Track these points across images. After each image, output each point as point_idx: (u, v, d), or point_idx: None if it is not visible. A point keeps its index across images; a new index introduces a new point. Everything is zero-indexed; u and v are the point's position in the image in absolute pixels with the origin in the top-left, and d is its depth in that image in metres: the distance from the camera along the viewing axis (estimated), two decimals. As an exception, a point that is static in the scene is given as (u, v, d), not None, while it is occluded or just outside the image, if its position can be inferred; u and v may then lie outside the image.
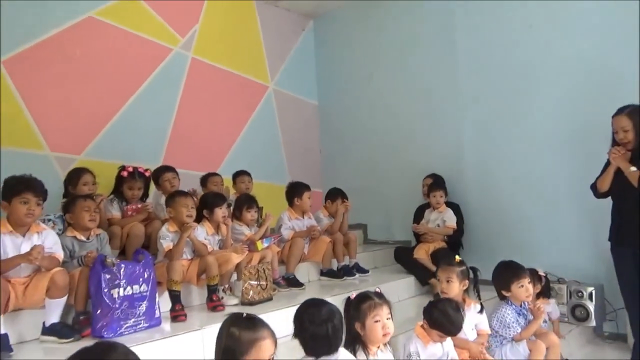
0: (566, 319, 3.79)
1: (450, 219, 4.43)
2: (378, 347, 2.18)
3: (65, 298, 2.62)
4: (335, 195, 4.45)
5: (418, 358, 2.36)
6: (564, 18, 4.19)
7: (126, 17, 4.52)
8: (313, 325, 1.91)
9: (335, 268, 4.25)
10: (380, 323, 2.13)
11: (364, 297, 2.19)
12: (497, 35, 4.59)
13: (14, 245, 2.61)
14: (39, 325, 2.61)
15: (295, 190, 4.22)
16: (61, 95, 4.10)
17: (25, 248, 2.58)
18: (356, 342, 2.15)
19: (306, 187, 4.24)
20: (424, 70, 5.13)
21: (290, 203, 4.23)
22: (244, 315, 1.70)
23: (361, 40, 5.75)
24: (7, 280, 2.51)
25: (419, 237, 4.54)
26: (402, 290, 4.12)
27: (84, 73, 4.24)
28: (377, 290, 2.28)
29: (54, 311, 2.59)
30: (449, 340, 2.47)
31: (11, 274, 2.55)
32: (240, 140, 5.38)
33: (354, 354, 2.09)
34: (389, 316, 2.17)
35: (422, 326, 2.45)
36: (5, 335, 2.40)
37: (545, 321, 3.11)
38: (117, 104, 4.45)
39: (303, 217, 4.23)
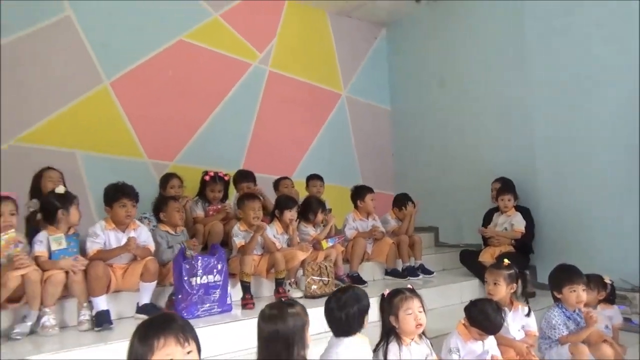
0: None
1: (519, 223, 4.39)
2: (412, 339, 2.35)
3: (155, 282, 3.11)
4: (402, 201, 4.61)
5: (458, 353, 2.48)
6: (634, 15, 3.99)
7: (210, 38, 5.08)
8: (332, 309, 2.16)
9: (400, 269, 4.40)
10: (413, 315, 2.30)
11: (396, 292, 2.37)
12: (568, 34, 4.46)
13: (116, 239, 3.16)
14: (134, 305, 3.12)
15: (359, 193, 4.45)
16: (156, 110, 4.74)
17: (124, 241, 3.11)
18: (390, 334, 2.33)
19: (369, 190, 4.46)
20: (495, 73, 5.11)
21: (355, 205, 4.47)
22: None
23: (433, 45, 5.84)
24: (109, 266, 3.04)
25: (486, 241, 4.55)
26: (465, 292, 4.16)
27: (176, 90, 4.85)
28: (409, 286, 2.45)
29: (146, 293, 3.09)
30: (491, 339, 2.56)
31: (113, 261, 3.09)
32: (314, 146, 5.74)
33: (387, 346, 2.28)
34: (421, 309, 2.33)
35: (463, 324, 2.57)
36: (107, 311, 2.92)
37: (606, 327, 3.05)
38: (203, 115, 5.02)
39: (367, 219, 4.45)
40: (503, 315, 2.53)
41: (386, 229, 4.55)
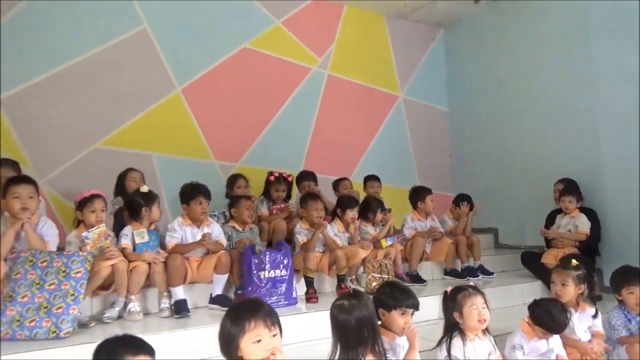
0: None
1: (583, 225, 4.29)
2: (476, 334, 2.41)
3: (227, 275, 3.33)
4: (460, 200, 4.64)
5: (522, 350, 2.51)
6: None
7: (272, 44, 5.32)
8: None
9: (459, 269, 4.43)
10: (477, 310, 2.36)
11: (459, 289, 2.45)
12: (634, 33, 4.31)
13: (192, 234, 3.42)
14: (207, 295, 3.36)
15: (418, 194, 4.53)
16: (223, 114, 5.02)
17: (199, 236, 3.36)
18: (454, 329, 2.40)
19: (428, 191, 4.52)
20: (556, 72, 5.01)
21: (414, 206, 4.54)
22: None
23: (492, 45, 5.80)
24: (186, 259, 3.30)
25: (549, 243, 4.49)
26: (527, 293, 4.11)
27: (240, 95, 5.12)
28: (472, 284, 2.52)
29: (219, 285, 3.32)
30: (555, 338, 2.57)
31: (189, 255, 3.35)
32: (371, 147, 5.85)
33: (450, 341, 2.36)
34: (484, 305, 2.39)
35: (527, 322, 2.59)
36: (185, 300, 3.16)
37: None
38: (266, 119, 5.26)
39: (426, 219, 4.51)
40: (568, 316, 2.53)
41: (444, 229, 4.59)
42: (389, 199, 4.94)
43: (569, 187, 4.55)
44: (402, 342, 2.32)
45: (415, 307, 2.33)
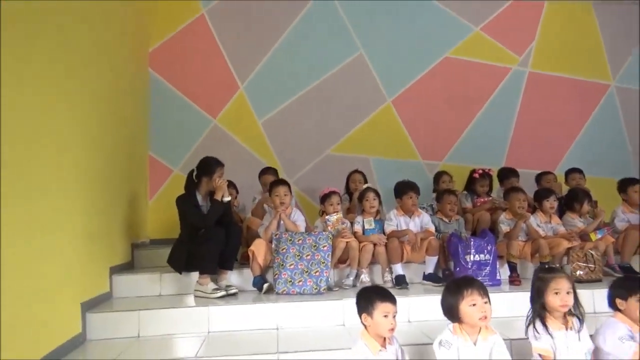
0: None
1: None
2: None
3: (437, 257, 3.97)
4: None
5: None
6: None
7: (472, 50, 5.76)
8: None
9: (683, 264, 4.20)
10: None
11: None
12: None
13: (405, 222, 4.15)
14: (421, 273, 4.04)
15: (621, 185, 4.49)
16: (428, 119, 5.69)
17: (411, 224, 4.08)
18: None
19: (631, 181, 4.43)
20: None
21: (624, 197, 4.45)
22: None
23: None
24: (401, 242, 4.02)
25: None
26: None
27: (443, 99, 5.70)
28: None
29: (430, 265, 3.98)
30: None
31: (404, 239, 4.08)
32: (579, 140, 5.78)
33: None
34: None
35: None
36: (403, 275, 3.90)
37: None
38: (467, 119, 5.73)
39: (638, 211, 4.38)
40: None
41: (664, 221, 4.37)
42: (600, 192, 4.90)
43: None
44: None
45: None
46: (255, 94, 5.57)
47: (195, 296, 3.65)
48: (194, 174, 3.85)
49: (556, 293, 2.35)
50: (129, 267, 4.26)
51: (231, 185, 4.35)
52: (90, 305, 3.28)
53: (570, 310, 2.41)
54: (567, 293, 2.35)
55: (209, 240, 3.61)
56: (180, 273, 3.76)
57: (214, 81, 5.52)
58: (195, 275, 3.73)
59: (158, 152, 5.38)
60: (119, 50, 4.27)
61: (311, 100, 5.61)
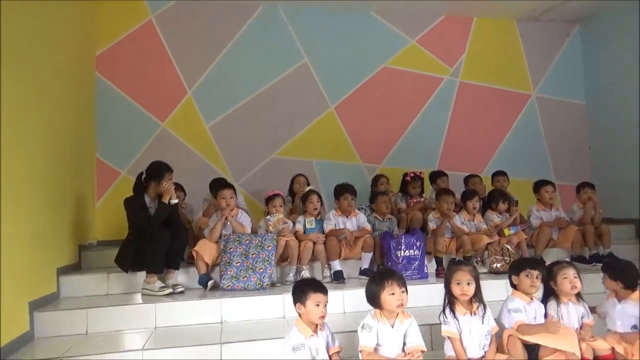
0: None
1: None
2: (570, 299, 2.96)
3: (372, 253, 4.31)
4: (580, 186, 4.97)
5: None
6: None
7: (408, 61, 6.21)
8: None
9: (586, 256, 4.75)
10: (568, 279, 2.91)
11: (555, 263, 3.03)
12: None
13: (342, 222, 4.48)
14: (357, 269, 4.37)
15: (535, 187, 5.01)
16: (368, 125, 6.05)
17: (348, 223, 4.41)
18: (551, 295, 2.99)
19: (542, 183, 4.96)
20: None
21: (538, 197, 4.99)
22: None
23: (631, 36, 5.78)
24: (339, 240, 4.34)
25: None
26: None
27: (382, 107, 6.09)
28: (567, 259, 3.07)
29: (366, 261, 4.32)
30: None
31: (341, 237, 4.40)
32: (504, 145, 6.34)
33: (545, 303, 2.93)
34: (576, 275, 2.91)
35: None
36: (341, 271, 4.21)
37: None
38: (404, 126, 6.16)
39: (550, 209, 4.92)
40: None
41: (573, 218, 4.93)
42: (522, 192, 5.40)
43: None
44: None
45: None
46: (204, 99, 5.76)
47: (143, 294, 3.81)
48: (143, 177, 4.00)
49: (458, 284, 2.71)
50: (76, 268, 4.35)
51: (179, 188, 4.52)
52: (38, 305, 3.39)
53: (474, 296, 2.79)
54: (468, 284, 2.70)
55: (155, 240, 3.78)
56: (127, 272, 3.91)
57: (162, 86, 5.66)
58: (142, 275, 3.89)
59: (105, 154, 5.46)
60: (64, 53, 4.34)
61: (258, 106, 5.85)
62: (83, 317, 3.39)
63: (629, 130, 5.83)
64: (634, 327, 2.86)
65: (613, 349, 2.83)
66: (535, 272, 2.91)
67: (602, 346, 2.81)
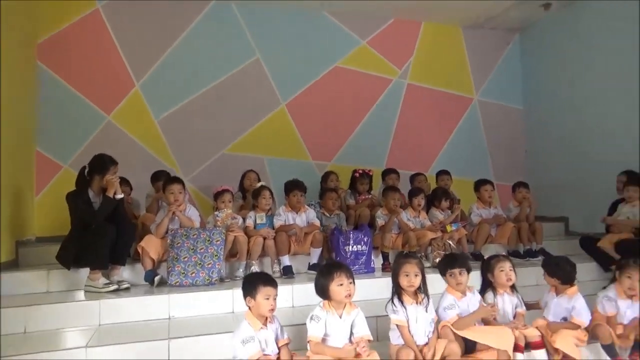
0: None
1: (640, 213, 4.69)
2: (505, 291, 3.17)
3: (321, 248, 4.40)
4: (516, 186, 5.27)
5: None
6: None
7: (359, 62, 6.35)
8: None
9: (521, 251, 5.06)
10: (504, 272, 3.12)
11: (493, 256, 3.24)
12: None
13: (292, 217, 4.53)
14: (306, 264, 4.45)
15: (475, 186, 5.27)
16: (318, 122, 6.13)
17: (297, 219, 4.47)
18: (488, 287, 3.20)
19: (481, 182, 5.22)
20: (627, 71, 5.35)
21: (478, 195, 5.26)
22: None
23: (566, 45, 6.21)
24: (288, 236, 4.40)
25: (609, 229, 4.93)
26: (582, 272, 4.60)
27: (332, 106, 6.20)
28: (504, 253, 3.28)
29: (315, 256, 4.40)
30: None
31: (291, 233, 4.46)
32: (448, 145, 6.62)
33: (483, 294, 3.15)
34: (512, 268, 3.14)
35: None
36: (290, 266, 4.27)
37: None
38: (354, 124, 6.30)
39: (489, 207, 5.20)
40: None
41: (509, 216, 5.23)
42: (464, 191, 5.67)
43: (632, 179, 4.95)
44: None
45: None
46: (152, 93, 5.64)
47: (86, 291, 3.71)
48: (86, 170, 3.88)
49: (406, 275, 2.85)
50: (13, 265, 4.16)
51: (125, 182, 4.42)
52: (-28, 303, 3.22)
53: (420, 288, 2.93)
54: (415, 275, 2.84)
55: (99, 236, 3.67)
56: (69, 269, 3.77)
57: (108, 77, 5.49)
58: (85, 271, 3.77)
59: (46, 147, 5.23)
60: (1, 38, 4.13)
61: (208, 100, 5.80)
62: (21, 316, 3.25)
63: (562, 135, 6.25)
64: (564, 318, 3.15)
65: (542, 336, 3.06)
66: (457, 270, 3.04)
67: (533, 333, 3.05)
